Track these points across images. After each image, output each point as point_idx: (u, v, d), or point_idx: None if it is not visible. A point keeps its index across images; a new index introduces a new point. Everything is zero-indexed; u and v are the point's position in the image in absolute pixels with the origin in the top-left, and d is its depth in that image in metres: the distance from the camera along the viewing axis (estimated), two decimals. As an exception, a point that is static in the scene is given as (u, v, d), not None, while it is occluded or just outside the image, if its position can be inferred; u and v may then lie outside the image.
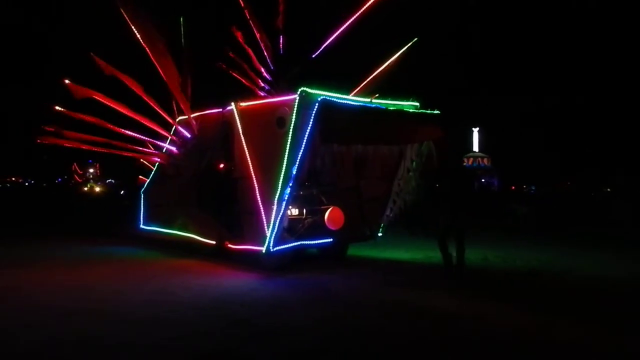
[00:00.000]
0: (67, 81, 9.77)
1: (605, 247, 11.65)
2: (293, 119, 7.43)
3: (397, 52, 10.12)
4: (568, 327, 5.40)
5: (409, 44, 10.18)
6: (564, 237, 13.45)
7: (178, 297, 6.51)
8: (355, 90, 9.64)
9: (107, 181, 58.75)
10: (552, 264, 9.22)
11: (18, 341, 4.81)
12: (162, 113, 10.18)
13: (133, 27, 9.46)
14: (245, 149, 8.29)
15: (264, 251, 7.78)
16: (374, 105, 8.09)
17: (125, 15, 9.50)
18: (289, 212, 7.98)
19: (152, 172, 10.98)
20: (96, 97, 9.89)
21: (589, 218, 19.55)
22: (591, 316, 5.87)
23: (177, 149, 10.19)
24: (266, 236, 7.69)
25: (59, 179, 70.68)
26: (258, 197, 7.97)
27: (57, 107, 9.94)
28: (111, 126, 9.91)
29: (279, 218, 7.55)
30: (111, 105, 9.97)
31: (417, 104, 8.69)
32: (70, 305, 6.05)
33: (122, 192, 33.88)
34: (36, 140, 10.35)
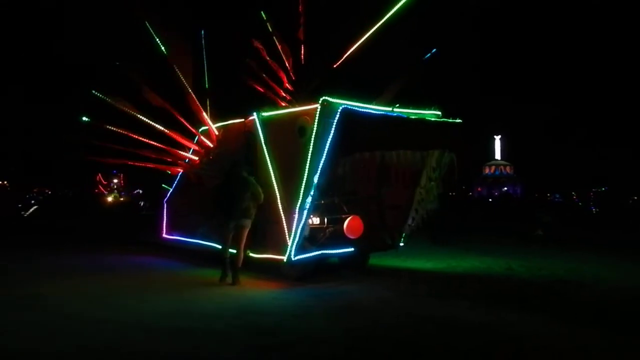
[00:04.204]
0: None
1: (635, 256, 11.38)
2: (314, 128, 7.45)
3: (419, 62, 10.08)
4: (599, 339, 5.27)
5: (428, 55, 10.14)
6: (591, 246, 13.18)
7: (201, 306, 6.54)
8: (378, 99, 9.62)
9: (135, 192, 59.20)
10: (579, 273, 9.03)
11: (43, 350, 4.87)
12: (184, 123, 10.30)
13: (157, 38, 9.63)
14: (267, 158, 8.34)
15: (285, 260, 7.79)
16: (395, 114, 8.07)
17: (148, 27, 9.67)
18: (310, 221, 7.99)
19: (175, 182, 11.10)
20: (123, 108, 10.06)
21: (618, 225, 19.16)
22: (622, 328, 5.71)
23: (199, 159, 10.28)
24: (287, 245, 7.70)
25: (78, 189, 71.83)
26: (280, 206, 8.00)
27: (84, 118, 10.13)
28: (136, 136, 10.05)
29: (300, 227, 7.56)
30: (135, 114, 10.12)
31: (439, 112, 8.64)
32: (94, 314, 6.11)
33: (142, 203, 34.17)
34: (62, 155, 10.55)
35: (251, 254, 8.62)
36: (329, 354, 4.77)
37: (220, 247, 8.37)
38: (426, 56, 10.16)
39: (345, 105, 7.36)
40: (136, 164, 10.53)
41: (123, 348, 4.90)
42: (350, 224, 8.15)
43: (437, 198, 8.97)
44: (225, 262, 8.10)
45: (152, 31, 9.71)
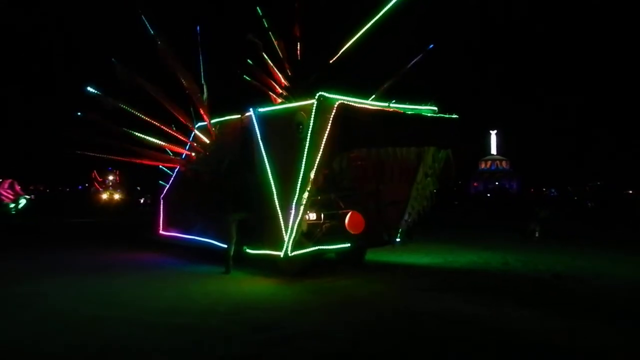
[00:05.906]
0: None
1: (632, 250, 11.44)
2: (311, 124, 7.44)
3: (416, 56, 10.07)
4: (596, 333, 5.29)
5: (425, 50, 10.13)
6: (589, 241, 13.22)
7: (198, 303, 6.54)
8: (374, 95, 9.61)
9: (135, 188, 58.44)
10: (576, 268, 9.06)
11: (43, 347, 4.87)
12: (181, 119, 10.26)
13: (153, 36, 9.58)
14: (264, 154, 8.33)
15: (282, 256, 7.79)
16: (392, 110, 8.06)
17: (147, 25, 9.64)
18: (306, 216, 7.98)
19: (171, 178, 11.07)
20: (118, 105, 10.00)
21: (616, 220, 19.18)
22: (620, 322, 5.74)
23: (195, 155, 10.25)
24: (284, 241, 7.70)
25: (80, 187, 71.56)
26: (276, 201, 7.99)
27: (79, 113, 10.07)
28: (132, 132, 10.01)
29: (296, 223, 7.56)
30: (131, 111, 10.07)
31: (435, 108, 8.64)
32: (93, 311, 6.11)
33: (142, 200, 34.09)
34: (61, 149, 10.51)
35: (248, 250, 8.63)
36: (328, 349, 4.77)
37: (225, 245, 8.72)
38: (422, 53, 10.15)
39: (342, 101, 7.35)
40: (133, 160, 10.48)
41: (122, 345, 4.89)
42: (351, 219, 8.14)
43: (433, 194, 8.98)
44: (229, 258, 8.56)
45: (150, 29, 9.67)
